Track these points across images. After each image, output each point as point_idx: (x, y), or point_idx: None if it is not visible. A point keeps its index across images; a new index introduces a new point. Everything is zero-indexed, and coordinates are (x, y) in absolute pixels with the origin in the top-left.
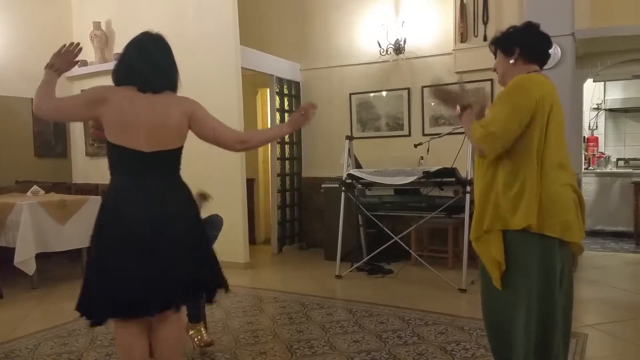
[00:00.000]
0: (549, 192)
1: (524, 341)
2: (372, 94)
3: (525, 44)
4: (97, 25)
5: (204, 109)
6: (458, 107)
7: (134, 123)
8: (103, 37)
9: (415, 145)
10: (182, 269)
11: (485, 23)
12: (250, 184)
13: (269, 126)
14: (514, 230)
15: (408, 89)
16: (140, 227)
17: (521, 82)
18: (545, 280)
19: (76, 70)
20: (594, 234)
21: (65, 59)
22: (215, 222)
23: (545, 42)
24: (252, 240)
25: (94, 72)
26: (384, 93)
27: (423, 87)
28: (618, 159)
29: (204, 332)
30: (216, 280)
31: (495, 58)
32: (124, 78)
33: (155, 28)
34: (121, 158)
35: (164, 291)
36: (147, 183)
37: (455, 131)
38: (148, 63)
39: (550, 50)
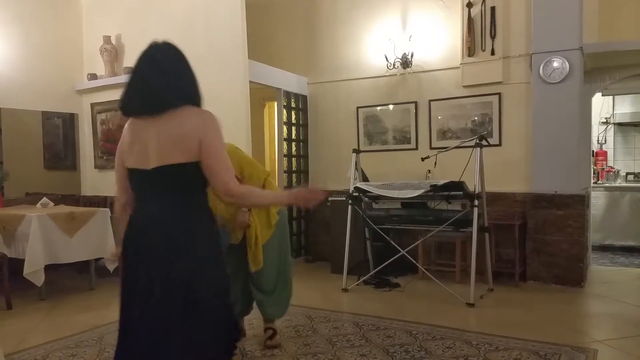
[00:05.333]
0: None
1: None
2: (379, 108)
3: None
4: (107, 39)
5: (215, 134)
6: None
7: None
8: (113, 51)
9: (423, 159)
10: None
11: (492, 37)
12: None
13: (276, 139)
14: None
15: (415, 102)
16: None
17: None
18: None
19: (86, 84)
20: (603, 248)
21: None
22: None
23: None
24: None
25: (104, 85)
26: (391, 106)
27: (430, 100)
28: (627, 173)
29: None
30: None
31: None
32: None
33: None
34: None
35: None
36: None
37: (463, 145)
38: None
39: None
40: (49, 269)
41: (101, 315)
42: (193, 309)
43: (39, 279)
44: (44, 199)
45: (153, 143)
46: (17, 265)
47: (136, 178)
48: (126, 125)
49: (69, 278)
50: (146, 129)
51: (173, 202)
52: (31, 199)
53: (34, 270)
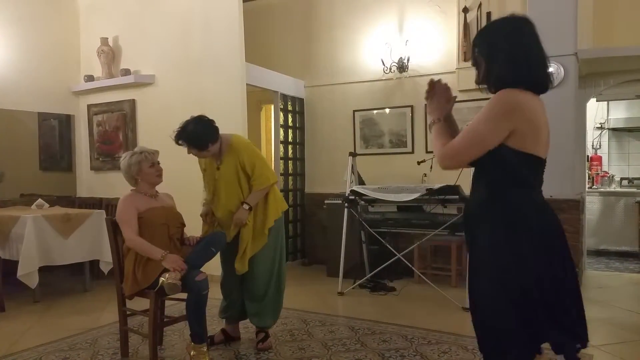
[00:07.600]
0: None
1: None
2: (375, 111)
3: None
4: (104, 41)
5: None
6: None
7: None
8: (110, 53)
9: (419, 162)
10: None
11: None
12: None
13: (272, 142)
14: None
15: (411, 106)
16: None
17: None
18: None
19: (82, 85)
20: (597, 253)
21: (440, 101)
22: (217, 239)
23: None
24: None
25: (100, 87)
26: (387, 110)
27: (426, 104)
28: (622, 178)
29: (207, 357)
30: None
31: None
32: (525, 78)
33: (162, 45)
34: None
35: None
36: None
37: None
38: (544, 59)
39: None
40: (43, 270)
41: (95, 317)
42: None
43: (33, 281)
44: (39, 200)
45: (547, 129)
46: (10, 266)
47: (537, 166)
48: (529, 103)
49: (63, 280)
50: (543, 113)
51: None
52: (26, 200)
53: (28, 272)
